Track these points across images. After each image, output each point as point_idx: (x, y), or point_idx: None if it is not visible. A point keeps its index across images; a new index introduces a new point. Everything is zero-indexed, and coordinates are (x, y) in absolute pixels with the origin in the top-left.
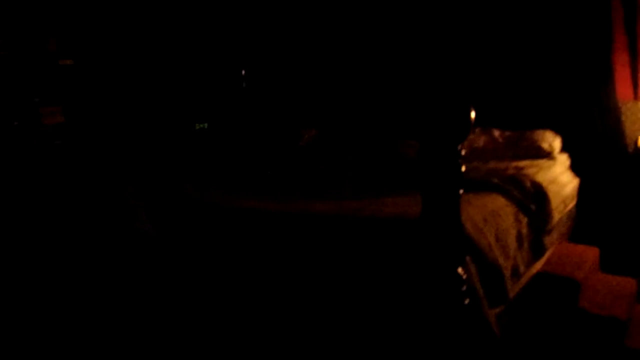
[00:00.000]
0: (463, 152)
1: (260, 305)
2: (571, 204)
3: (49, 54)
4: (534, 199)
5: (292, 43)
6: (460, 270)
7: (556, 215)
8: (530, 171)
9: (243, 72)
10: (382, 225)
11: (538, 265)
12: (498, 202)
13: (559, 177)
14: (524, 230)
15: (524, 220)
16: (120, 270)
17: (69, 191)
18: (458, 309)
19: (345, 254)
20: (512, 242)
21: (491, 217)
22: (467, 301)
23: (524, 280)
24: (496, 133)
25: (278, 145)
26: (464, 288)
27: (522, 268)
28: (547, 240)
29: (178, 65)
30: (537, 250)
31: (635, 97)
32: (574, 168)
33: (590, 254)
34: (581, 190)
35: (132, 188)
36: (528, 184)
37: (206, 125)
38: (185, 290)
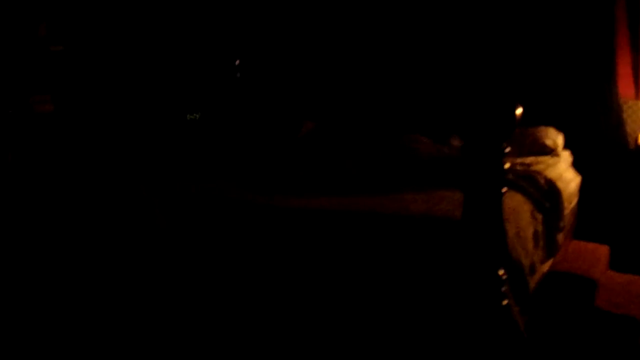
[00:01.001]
0: (507, 150)
1: (275, 304)
2: (574, 201)
3: (39, 39)
4: (547, 196)
5: (290, 30)
6: (500, 271)
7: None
8: (538, 167)
9: (237, 61)
10: (411, 223)
11: (549, 263)
12: (516, 199)
13: (564, 174)
14: (540, 228)
15: (539, 217)
16: (135, 266)
17: (74, 183)
18: (497, 310)
19: (370, 252)
20: (529, 239)
21: (511, 214)
22: (505, 302)
23: (537, 278)
24: None
25: (276, 137)
26: (504, 289)
27: (537, 266)
28: (560, 237)
29: (170, 53)
30: (551, 248)
31: (637, 96)
32: (576, 165)
33: (602, 252)
34: (583, 188)
35: (144, 185)
36: (542, 180)
37: (198, 116)
38: (199, 288)
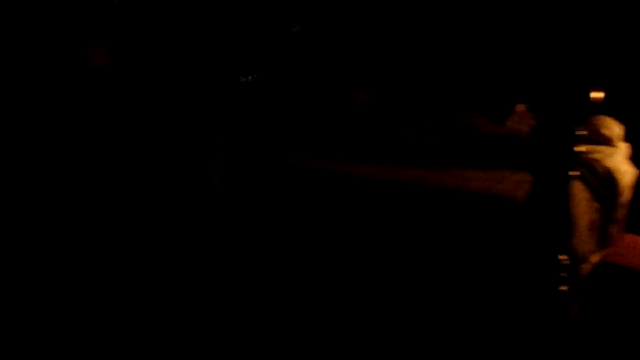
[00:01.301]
0: (580, 133)
1: (329, 269)
2: (629, 194)
3: None
4: (604, 186)
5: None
6: (563, 256)
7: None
8: (595, 156)
9: (295, 28)
10: (471, 200)
11: (600, 254)
12: (575, 186)
13: (620, 165)
14: (595, 217)
15: (595, 206)
16: (190, 221)
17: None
18: (554, 294)
19: (429, 224)
20: (584, 228)
21: (570, 201)
22: (563, 288)
23: (588, 268)
24: None
25: (334, 105)
26: (564, 275)
27: (589, 255)
28: (613, 229)
29: (228, 14)
30: (603, 238)
31: None
32: (634, 159)
33: None
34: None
35: (204, 142)
36: (600, 169)
37: (250, 78)
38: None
